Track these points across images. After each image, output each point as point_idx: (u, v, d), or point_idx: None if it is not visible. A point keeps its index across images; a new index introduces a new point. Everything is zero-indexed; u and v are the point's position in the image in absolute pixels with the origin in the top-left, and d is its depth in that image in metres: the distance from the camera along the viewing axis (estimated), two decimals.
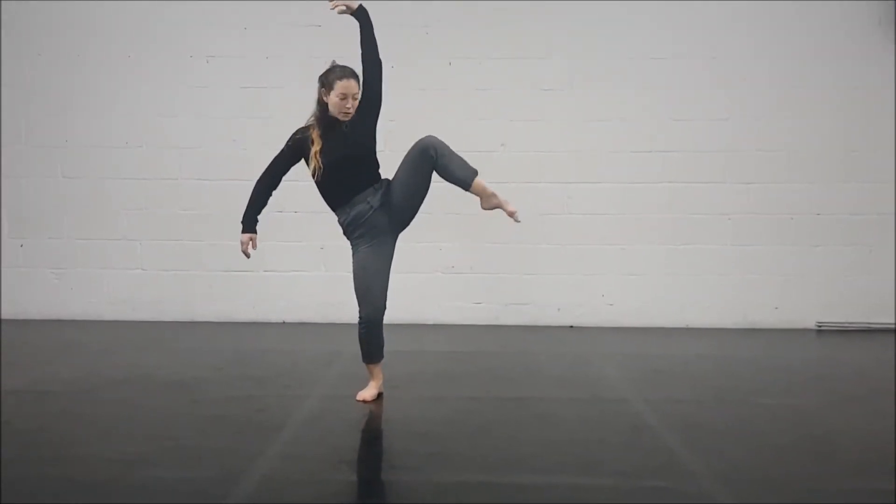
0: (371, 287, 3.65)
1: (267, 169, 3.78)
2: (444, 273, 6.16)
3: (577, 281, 6.15)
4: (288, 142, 3.76)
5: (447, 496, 2.67)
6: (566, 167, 6.14)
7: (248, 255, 3.76)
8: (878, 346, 5.43)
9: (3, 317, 6.11)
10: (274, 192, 3.81)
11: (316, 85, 3.69)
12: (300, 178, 6.01)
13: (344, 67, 3.66)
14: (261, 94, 6.12)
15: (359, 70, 3.72)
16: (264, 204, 3.80)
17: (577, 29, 6.11)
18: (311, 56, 6.05)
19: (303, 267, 6.15)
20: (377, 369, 3.84)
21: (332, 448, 3.14)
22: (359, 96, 3.64)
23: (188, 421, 3.48)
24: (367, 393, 3.81)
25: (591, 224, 6.13)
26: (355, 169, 3.66)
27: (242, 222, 3.75)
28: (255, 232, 3.75)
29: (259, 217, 3.77)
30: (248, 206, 3.76)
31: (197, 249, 6.21)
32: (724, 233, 6.11)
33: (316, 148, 3.63)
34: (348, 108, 3.62)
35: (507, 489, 2.72)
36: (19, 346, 5.17)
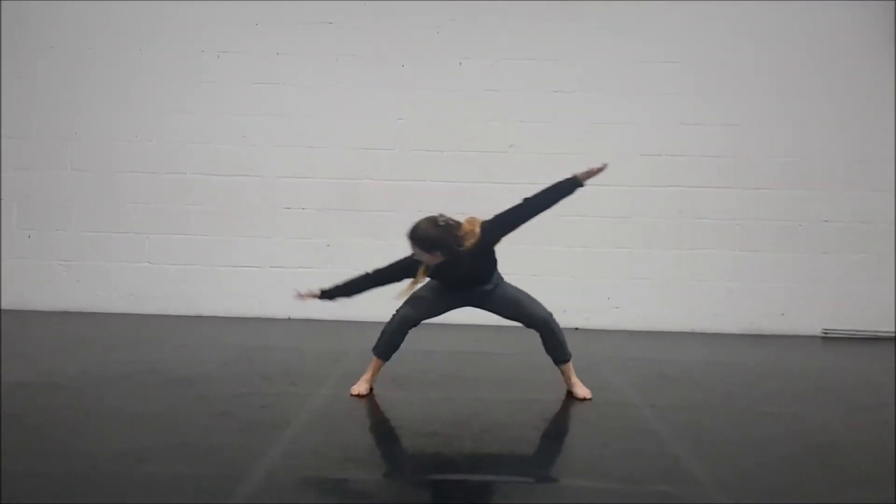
0: (422, 296, 3.82)
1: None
2: None
3: (583, 283, 6.15)
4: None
5: (451, 496, 2.67)
6: (574, 169, 6.05)
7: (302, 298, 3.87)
8: (885, 354, 5.42)
9: (9, 308, 6.14)
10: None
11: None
12: (307, 175, 6.06)
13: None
14: (271, 91, 6.13)
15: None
16: (353, 288, 3.82)
17: (587, 32, 6.11)
18: (322, 53, 6.08)
19: (309, 263, 6.15)
20: (378, 365, 3.91)
21: (337, 447, 3.14)
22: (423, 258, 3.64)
23: (193, 417, 3.48)
24: (360, 387, 3.90)
25: (598, 227, 6.13)
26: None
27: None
28: (320, 297, 3.83)
29: (339, 296, 3.82)
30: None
31: (205, 244, 6.23)
32: (732, 238, 6.10)
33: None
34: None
35: (511, 491, 2.72)
36: (25, 337, 5.20)
